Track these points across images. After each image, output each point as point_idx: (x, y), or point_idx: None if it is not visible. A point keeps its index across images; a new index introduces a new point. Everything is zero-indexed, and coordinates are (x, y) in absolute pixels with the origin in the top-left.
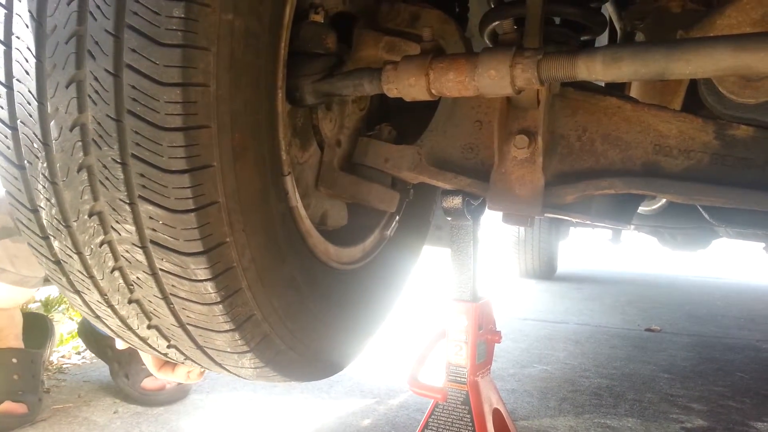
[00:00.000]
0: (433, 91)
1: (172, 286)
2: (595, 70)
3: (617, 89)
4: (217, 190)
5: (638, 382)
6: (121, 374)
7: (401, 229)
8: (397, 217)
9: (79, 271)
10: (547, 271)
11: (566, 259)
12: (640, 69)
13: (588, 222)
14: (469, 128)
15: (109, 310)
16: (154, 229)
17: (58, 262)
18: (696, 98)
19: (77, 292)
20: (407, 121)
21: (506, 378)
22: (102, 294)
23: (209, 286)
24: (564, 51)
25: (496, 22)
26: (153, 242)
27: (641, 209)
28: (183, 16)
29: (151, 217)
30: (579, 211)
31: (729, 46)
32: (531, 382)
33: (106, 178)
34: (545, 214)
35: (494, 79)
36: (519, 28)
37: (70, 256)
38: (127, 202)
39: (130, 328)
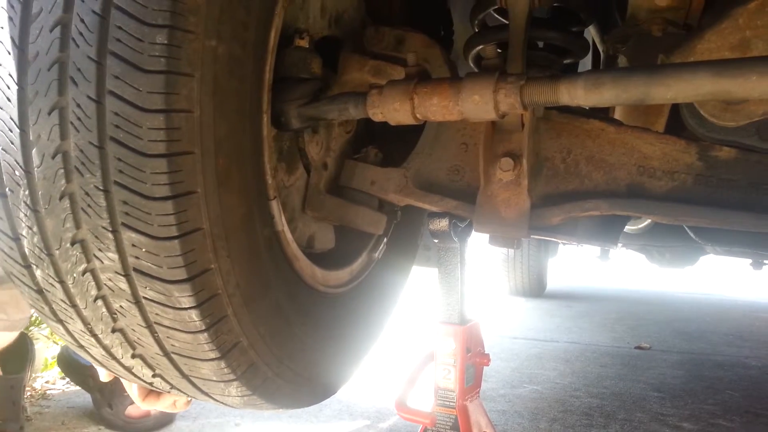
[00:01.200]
0: (417, 115)
1: (156, 314)
2: (576, 95)
3: (601, 111)
4: (201, 216)
5: (628, 401)
6: (103, 404)
7: (389, 251)
8: (385, 239)
9: (62, 300)
10: (536, 289)
11: (555, 277)
12: (621, 94)
13: (575, 243)
14: (455, 150)
15: (92, 339)
16: (137, 257)
17: (40, 291)
18: (680, 119)
19: (60, 322)
20: (394, 143)
21: (497, 399)
22: (85, 323)
23: (194, 314)
24: (546, 76)
25: (480, 47)
26: (136, 270)
27: (628, 228)
28: (166, 42)
29: (134, 245)
30: (565, 232)
31: (709, 72)
32: (521, 402)
33: (89, 206)
34: (532, 236)
35: (478, 104)
36: (503, 52)
37: (53, 285)
38: (110, 229)
39: (114, 358)
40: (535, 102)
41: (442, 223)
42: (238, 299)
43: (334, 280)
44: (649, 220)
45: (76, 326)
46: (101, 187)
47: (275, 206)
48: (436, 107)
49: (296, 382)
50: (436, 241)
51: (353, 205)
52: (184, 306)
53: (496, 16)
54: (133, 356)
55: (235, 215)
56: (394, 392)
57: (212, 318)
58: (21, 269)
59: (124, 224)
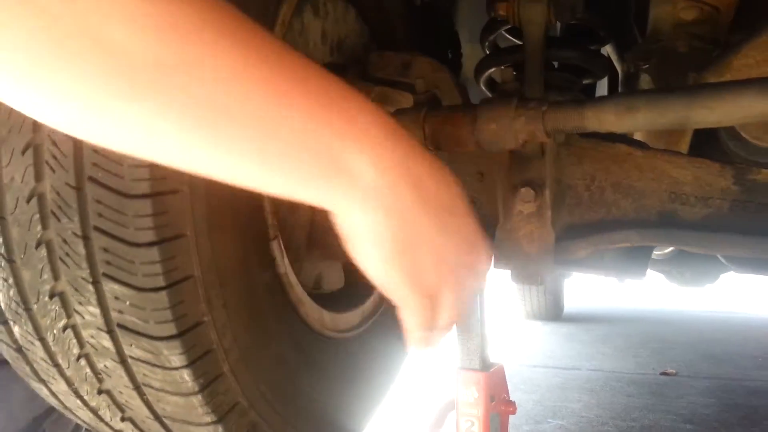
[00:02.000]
0: (429, 146)
1: (144, 374)
2: (606, 120)
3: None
4: (191, 263)
5: None
6: None
7: None
8: None
9: (43, 360)
10: (553, 312)
11: (572, 298)
12: (657, 119)
13: (602, 275)
14: (470, 181)
15: (78, 401)
16: (120, 311)
17: (19, 350)
18: (704, 138)
19: (42, 382)
20: None
21: None
22: (69, 384)
23: (186, 374)
24: (570, 101)
25: (493, 69)
26: (120, 326)
27: (654, 254)
28: None
29: (116, 298)
30: (592, 266)
31: (758, 91)
32: None
33: (67, 254)
34: (556, 271)
35: (496, 132)
36: (518, 74)
37: (32, 343)
38: (90, 280)
39: (102, 420)
40: (559, 128)
41: None
42: (236, 354)
43: (345, 323)
44: None
45: (60, 387)
46: (79, 234)
47: (276, 247)
48: (449, 137)
49: None
50: None
51: None
52: (174, 365)
53: (508, 36)
54: (123, 419)
55: (230, 260)
56: None
57: (206, 377)
58: None
59: (105, 274)
